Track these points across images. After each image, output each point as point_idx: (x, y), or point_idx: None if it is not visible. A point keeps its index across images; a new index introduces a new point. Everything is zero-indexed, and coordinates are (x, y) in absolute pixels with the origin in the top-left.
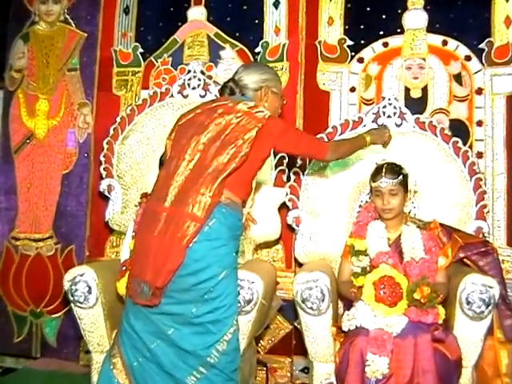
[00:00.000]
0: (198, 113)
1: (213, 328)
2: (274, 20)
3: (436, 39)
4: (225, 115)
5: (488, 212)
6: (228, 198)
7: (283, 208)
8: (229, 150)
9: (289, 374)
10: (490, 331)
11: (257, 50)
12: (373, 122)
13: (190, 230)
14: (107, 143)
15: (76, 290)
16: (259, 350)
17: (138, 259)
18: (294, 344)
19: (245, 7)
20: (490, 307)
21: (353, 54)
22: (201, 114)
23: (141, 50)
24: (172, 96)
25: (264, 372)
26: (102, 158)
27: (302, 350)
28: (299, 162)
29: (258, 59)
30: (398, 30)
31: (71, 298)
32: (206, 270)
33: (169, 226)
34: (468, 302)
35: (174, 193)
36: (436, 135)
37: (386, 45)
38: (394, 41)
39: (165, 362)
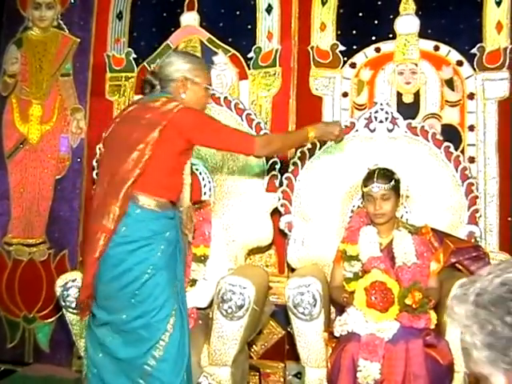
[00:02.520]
0: (117, 122)
1: (145, 333)
2: (267, 25)
3: (428, 44)
4: (135, 119)
5: (480, 217)
6: (144, 198)
7: (275, 213)
8: (132, 155)
9: (282, 379)
10: None
11: (249, 55)
12: (364, 127)
13: (101, 241)
14: (100, 148)
15: (68, 295)
16: (252, 355)
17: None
18: (287, 349)
19: (237, 13)
20: None
21: (345, 59)
22: (119, 123)
23: (134, 55)
24: None
25: (257, 377)
26: (94, 164)
27: (295, 355)
28: (292, 167)
29: (251, 64)
30: (390, 36)
31: (63, 304)
32: (127, 273)
33: (89, 241)
34: None
35: (94, 209)
36: (428, 140)
37: (378, 50)
38: (386, 46)
39: (106, 379)
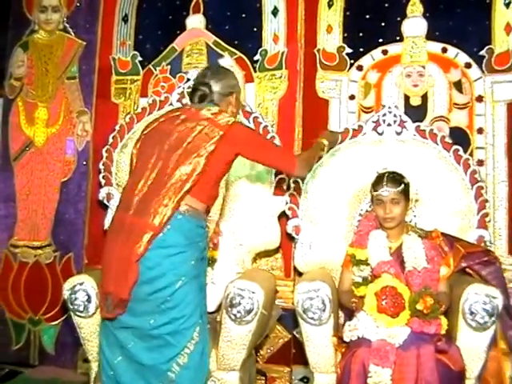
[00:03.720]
0: (161, 121)
1: (172, 340)
2: (273, 28)
3: (436, 47)
4: (187, 122)
5: (489, 221)
6: (187, 205)
7: (283, 217)
8: (191, 159)
9: None
10: (493, 342)
11: (255, 57)
12: (373, 130)
13: (146, 239)
14: (106, 151)
15: (75, 298)
16: (258, 359)
17: (103, 270)
18: (293, 353)
19: (243, 15)
20: (493, 318)
21: (352, 61)
22: (164, 122)
23: (139, 58)
24: (171, 104)
25: (263, 381)
26: (100, 166)
27: (301, 360)
28: None
29: (257, 67)
30: (398, 38)
31: (70, 307)
32: (160, 278)
33: (129, 236)
34: (471, 313)
35: (137, 202)
36: (437, 143)
37: (385, 52)
38: (393, 48)
39: (123, 381)
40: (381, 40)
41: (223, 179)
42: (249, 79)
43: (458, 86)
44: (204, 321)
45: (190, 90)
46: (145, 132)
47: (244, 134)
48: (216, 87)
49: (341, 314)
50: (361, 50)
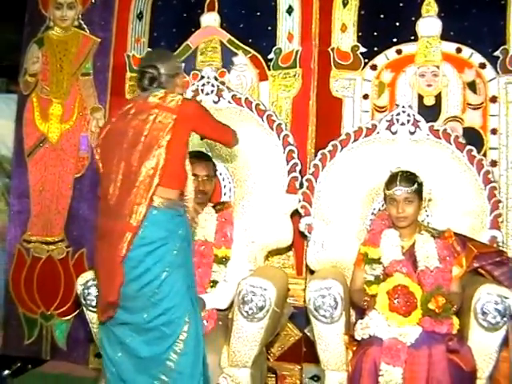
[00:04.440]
0: (113, 122)
1: (167, 330)
2: (287, 26)
3: (450, 47)
4: (138, 115)
5: (502, 221)
6: (161, 197)
7: (295, 215)
8: (153, 152)
9: (298, 382)
10: (504, 342)
11: (269, 56)
12: (386, 129)
13: (126, 240)
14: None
15: (89, 293)
16: (269, 357)
17: (95, 276)
18: (304, 351)
19: (258, 13)
20: (505, 318)
21: (366, 60)
22: (117, 122)
23: None
24: None
25: (274, 379)
26: None
27: (312, 358)
28: (312, 168)
29: (271, 65)
30: (412, 38)
31: (84, 302)
32: (145, 273)
33: (111, 240)
34: (483, 313)
35: (113, 207)
36: (450, 143)
37: (399, 52)
38: (407, 48)
39: (126, 377)
40: (395, 39)
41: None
42: (263, 77)
43: (472, 86)
44: (195, 306)
45: (138, 74)
46: (101, 136)
47: (194, 110)
48: (163, 69)
49: (352, 312)
50: (375, 49)
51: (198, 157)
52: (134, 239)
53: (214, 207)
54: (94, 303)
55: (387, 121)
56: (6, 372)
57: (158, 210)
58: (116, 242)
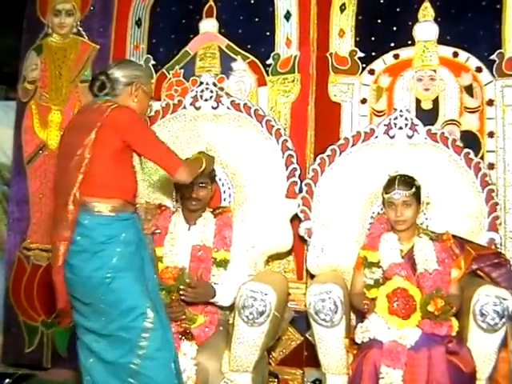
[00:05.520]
0: (63, 135)
1: (124, 334)
2: (286, 32)
3: (447, 51)
4: (77, 125)
5: (500, 223)
6: (91, 207)
7: (295, 219)
8: (73, 161)
9: None
10: (503, 343)
11: (268, 61)
12: (384, 133)
13: (61, 250)
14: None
15: None
16: (270, 361)
17: None
18: (306, 355)
19: (256, 19)
20: (503, 319)
21: (364, 65)
22: (65, 135)
23: (153, 61)
24: (184, 108)
25: (275, 383)
26: None
27: (314, 362)
28: (311, 173)
29: (270, 71)
30: (409, 42)
31: None
32: (88, 280)
33: (53, 250)
34: (482, 314)
35: (55, 219)
36: (448, 147)
37: (396, 56)
38: (404, 53)
39: (99, 382)
40: (392, 44)
41: (130, 169)
42: (261, 83)
43: (468, 89)
44: (159, 308)
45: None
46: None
47: (125, 119)
48: (116, 74)
49: (352, 315)
50: (373, 54)
51: None
52: (68, 249)
53: (212, 212)
54: None
55: (385, 125)
56: (7, 381)
57: (91, 217)
58: (54, 252)
